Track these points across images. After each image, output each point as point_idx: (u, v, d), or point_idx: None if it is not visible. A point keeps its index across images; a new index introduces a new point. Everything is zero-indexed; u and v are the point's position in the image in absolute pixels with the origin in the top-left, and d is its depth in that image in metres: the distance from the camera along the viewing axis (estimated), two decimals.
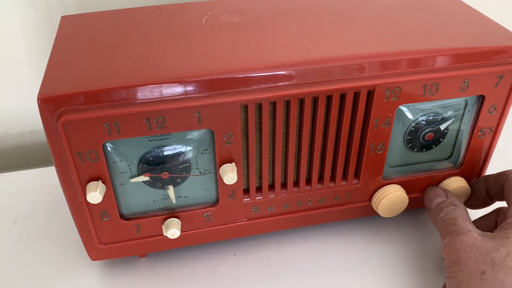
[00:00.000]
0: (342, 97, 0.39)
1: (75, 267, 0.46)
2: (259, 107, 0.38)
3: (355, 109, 0.40)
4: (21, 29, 0.55)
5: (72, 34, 0.42)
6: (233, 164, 0.39)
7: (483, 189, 0.45)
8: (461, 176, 0.47)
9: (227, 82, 0.36)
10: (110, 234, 0.42)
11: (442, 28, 0.42)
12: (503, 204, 0.43)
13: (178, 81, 0.35)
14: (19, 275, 0.45)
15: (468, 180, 0.47)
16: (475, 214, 0.46)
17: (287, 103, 0.38)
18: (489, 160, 0.46)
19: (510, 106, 0.43)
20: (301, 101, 0.39)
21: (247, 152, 0.40)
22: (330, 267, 0.46)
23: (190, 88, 0.35)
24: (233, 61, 0.37)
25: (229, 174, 0.39)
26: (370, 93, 0.39)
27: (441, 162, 0.47)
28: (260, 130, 0.39)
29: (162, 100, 0.35)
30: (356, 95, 0.39)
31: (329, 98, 0.39)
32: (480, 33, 0.42)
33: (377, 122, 0.41)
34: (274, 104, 0.38)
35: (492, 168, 0.47)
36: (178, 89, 0.35)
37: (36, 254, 0.47)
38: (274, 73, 0.36)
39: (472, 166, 0.47)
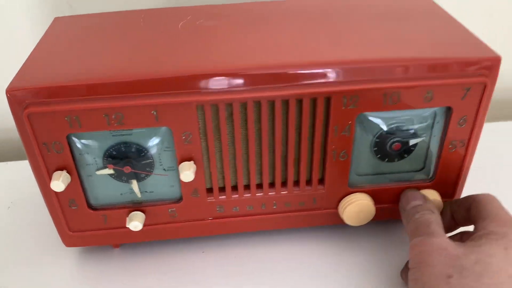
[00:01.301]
0: (300, 102, 0.40)
1: (54, 253, 0.49)
2: (216, 108, 0.39)
3: (315, 115, 0.40)
4: (29, 29, 0.60)
5: (57, 34, 0.45)
6: (191, 162, 0.41)
7: (448, 213, 0.44)
8: (435, 190, 0.46)
9: (182, 82, 0.37)
10: (79, 223, 0.44)
11: (412, 38, 0.42)
12: (467, 229, 0.42)
13: (134, 79, 0.37)
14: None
15: (443, 195, 0.46)
16: None
17: (245, 106, 0.39)
18: (464, 174, 0.45)
19: (483, 119, 0.42)
20: (259, 105, 0.39)
21: (208, 152, 0.42)
22: (295, 272, 0.46)
23: (146, 86, 0.37)
24: (190, 63, 0.39)
25: (186, 172, 0.40)
26: (328, 100, 0.39)
27: (414, 173, 0.46)
28: (219, 131, 0.41)
29: (119, 97, 0.37)
30: (315, 101, 0.40)
31: (286, 103, 0.40)
32: (450, 44, 0.41)
33: (337, 129, 0.41)
34: (231, 106, 0.39)
35: (478, 188, 0.45)
36: (134, 87, 0.37)
37: (23, 238, 0.51)
38: (228, 76, 0.37)
39: (445, 180, 0.45)
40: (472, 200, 0.41)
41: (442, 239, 0.38)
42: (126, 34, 0.45)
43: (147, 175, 0.43)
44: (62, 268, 0.47)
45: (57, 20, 0.49)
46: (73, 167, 0.40)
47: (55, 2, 0.60)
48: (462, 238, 0.42)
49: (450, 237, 0.43)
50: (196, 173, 0.42)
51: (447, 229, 0.45)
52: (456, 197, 0.47)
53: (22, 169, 0.50)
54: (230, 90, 0.38)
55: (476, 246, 0.36)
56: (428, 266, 0.36)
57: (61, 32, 0.46)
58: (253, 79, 0.38)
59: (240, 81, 0.38)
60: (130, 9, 0.55)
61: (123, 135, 0.40)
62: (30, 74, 0.38)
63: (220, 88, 0.38)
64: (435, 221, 0.40)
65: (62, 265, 0.48)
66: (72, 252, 0.49)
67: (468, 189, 0.46)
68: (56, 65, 0.39)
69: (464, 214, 0.42)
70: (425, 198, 0.43)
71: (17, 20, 0.59)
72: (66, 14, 0.59)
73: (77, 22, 0.48)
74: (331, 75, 0.38)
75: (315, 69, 0.38)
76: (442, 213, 0.45)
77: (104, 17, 0.49)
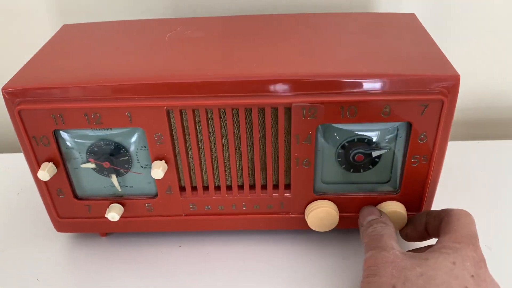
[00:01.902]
0: (262, 111, 0.42)
1: (49, 237, 0.54)
2: (185, 113, 0.43)
3: (277, 124, 0.43)
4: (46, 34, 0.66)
5: (59, 41, 0.50)
6: (163, 161, 0.45)
7: (423, 222, 0.45)
8: (401, 202, 0.47)
9: (153, 88, 0.41)
10: (67, 210, 0.49)
11: (378, 53, 0.44)
12: None
13: (110, 84, 0.41)
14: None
15: (409, 208, 0.47)
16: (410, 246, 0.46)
17: (211, 112, 0.43)
18: (430, 188, 0.46)
19: (446, 136, 0.43)
20: (224, 112, 0.43)
21: (179, 153, 0.45)
22: (262, 272, 0.49)
23: (121, 90, 0.41)
24: (163, 70, 0.42)
25: (156, 170, 0.44)
26: (288, 110, 0.42)
27: (381, 185, 0.47)
28: (188, 134, 0.44)
29: (96, 99, 0.41)
30: (276, 110, 0.42)
31: (250, 112, 0.42)
32: (414, 61, 0.42)
33: (298, 138, 0.43)
34: (198, 112, 0.43)
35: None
36: (109, 91, 0.41)
37: (27, 221, 0.56)
38: (195, 84, 0.41)
39: (411, 193, 0.47)
40: (445, 213, 0.42)
41: (391, 252, 0.39)
42: (117, 43, 0.49)
43: (125, 171, 0.47)
44: (54, 250, 0.52)
45: (64, 27, 0.54)
46: (59, 159, 0.45)
47: (74, 11, 0.65)
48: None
49: (416, 249, 0.44)
50: (169, 172, 0.45)
51: (420, 238, 0.46)
52: (422, 210, 0.48)
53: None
54: (197, 97, 0.41)
55: (424, 259, 0.38)
56: (375, 277, 0.38)
57: (64, 38, 0.51)
58: (218, 88, 0.41)
59: (205, 89, 0.41)
60: (144, 17, 0.60)
61: (104, 133, 0.44)
62: (25, 76, 0.43)
63: (188, 95, 0.41)
64: (387, 233, 0.41)
65: (55, 247, 0.53)
66: (64, 237, 0.54)
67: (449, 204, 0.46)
68: (49, 68, 0.44)
69: (437, 226, 0.43)
70: (380, 212, 0.44)
71: (38, 29, 0.65)
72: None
73: (80, 30, 0.53)
74: (290, 87, 0.41)
75: (276, 80, 0.41)
76: (415, 223, 0.46)
77: (105, 26, 0.54)
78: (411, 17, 0.52)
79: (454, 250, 0.38)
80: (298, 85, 0.41)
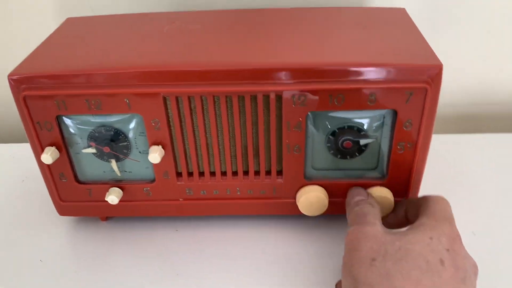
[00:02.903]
0: (255, 98, 0.44)
1: (52, 221, 0.56)
2: (181, 100, 0.45)
3: (269, 111, 0.45)
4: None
5: (63, 33, 0.53)
6: (160, 147, 0.47)
7: (403, 209, 0.47)
8: (388, 188, 0.49)
9: (150, 76, 0.43)
10: (69, 194, 0.51)
11: (364, 45, 0.46)
12: None
13: (110, 72, 0.43)
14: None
15: (396, 194, 0.49)
16: None
17: (206, 100, 0.45)
18: (416, 175, 0.48)
19: (430, 124, 0.45)
20: (219, 99, 0.45)
21: (176, 138, 0.47)
22: (257, 255, 0.51)
23: (119, 78, 0.43)
24: (160, 59, 0.45)
25: (153, 154, 0.46)
26: (279, 98, 0.44)
27: (368, 171, 0.49)
28: (184, 121, 0.46)
29: (96, 86, 0.44)
30: (268, 98, 0.44)
31: (243, 99, 0.45)
32: (400, 51, 0.44)
33: (289, 124, 0.45)
34: (193, 99, 0.45)
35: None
36: (109, 78, 0.43)
37: (30, 207, 0.59)
38: (189, 72, 0.43)
39: (397, 179, 0.48)
40: (424, 199, 0.44)
41: (374, 228, 0.41)
42: (118, 34, 0.51)
43: (125, 156, 0.49)
44: (57, 234, 0.55)
45: (68, 20, 0.56)
46: (62, 144, 0.47)
47: (79, 6, 0.68)
48: None
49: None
50: (166, 157, 0.48)
51: (399, 225, 0.48)
52: (409, 196, 0.50)
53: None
54: (192, 84, 0.44)
55: (404, 235, 0.39)
56: (356, 251, 0.40)
57: (67, 31, 0.53)
58: (212, 76, 0.43)
59: (200, 76, 0.43)
60: (147, 11, 0.62)
61: (104, 119, 0.47)
62: (30, 64, 0.46)
63: (183, 83, 0.43)
64: (372, 212, 0.43)
65: (57, 231, 0.55)
66: (67, 221, 0.56)
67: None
68: (53, 57, 0.47)
69: (416, 212, 0.44)
70: (368, 194, 0.46)
71: (41, 22, 0.68)
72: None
73: (84, 23, 0.55)
74: (281, 75, 0.43)
75: (267, 69, 0.43)
76: (396, 210, 0.48)
77: (108, 19, 0.56)
78: (401, 11, 0.54)
79: (432, 227, 0.39)
80: (289, 73, 0.43)
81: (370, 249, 0.39)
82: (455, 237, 0.39)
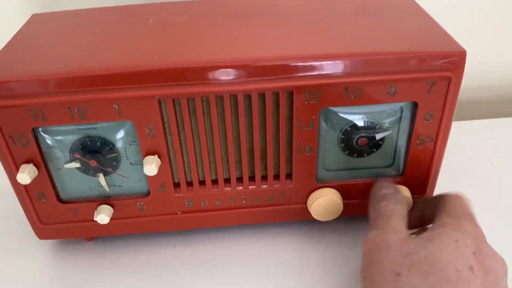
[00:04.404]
0: (263, 97, 0.40)
1: (28, 245, 0.50)
2: (179, 103, 0.39)
3: (278, 110, 0.40)
4: (15, 25, 0.61)
5: (31, 30, 0.46)
6: (155, 156, 0.41)
7: (418, 210, 0.43)
8: (405, 186, 0.45)
9: (142, 76, 0.38)
10: (50, 215, 0.45)
11: (379, 33, 0.42)
12: None
13: (94, 74, 0.37)
14: None
15: (414, 191, 0.45)
16: None
17: (207, 100, 0.40)
18: (434, 171, 0.45)
19: (451, 115, 0.41)
20: (221, 99, 0.40)
21: (173, 146, 0.42)
22: (263, 267, 0.46)
23: (106, 80, 0.37)
24: (151, 56, 0.39)
25: (150, 166, 0.41)
26: (291, 95, 0.39)
27: (384, 169, 0.46)
28: (182, 125, 0.41)
29: (80, 91, 0.37)
30: (277, 95, 0.40)
31: (249, 98, 0.40)
32: (417, 38, 0.41)
33: (300, 123, 0.41)
34: (193, 101, 0.39)
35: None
36: (94, 81, 0.37)
37: (1, 232, 0.52)
38: (188, 70, 0.38)
39: (415, 176, 0.45)
40: (441, 197, 0.41)
41: (396, 235, 0.37)
42: (96, 30, 0.45)
43: (114, 169, 0.43)
44: (36, 260, 0.48)
45: (34, 16, 0.49)
46: (40, 160, 0.41)
47: (44, 1, 0.61)
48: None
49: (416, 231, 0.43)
50: (162, 168, 0.42)
51: (414, 226, 0.44)
52: (427, 194, 0.46)
53: None
54: (191, 84, 0.38)
55: (427, 240, 0.36)
56: (378, 263, 0.36)
57: (36, 28, 0.46)
58: (214, 74, 0.38)
59: (200, 75, 0.38)
60: (115, 5, 0.56)
61: (88, 129, 0.41)
62: None
63: (181, 82, 0.38)
64: (398, 213, 0.39)
65: (36, 257, 0.48)
66: (47, 245, 0.50)
67: (446, 187, 0.45)
68: (23, 59, 0.40)
69: (433, 211, 0.41)
70: (397, 189, 0.42)
71: (3, 18, 0.60)
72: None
73: (53, 19, 0.49)
74: (292, 69, 0.38)
75: (275, 63, 0.38)
76: (412, 210, 0.44)
77: (80, 13, 0.49)
78: None
79: (455, 228, 0.36)
80: (301, 67, 0.38)
81: (393, 262, 0.35)
82: (480, 236, 0.36)
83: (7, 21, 0.60)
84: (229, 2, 0.50)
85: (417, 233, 0.41)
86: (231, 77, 0.38)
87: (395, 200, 0.40)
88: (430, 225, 0.40)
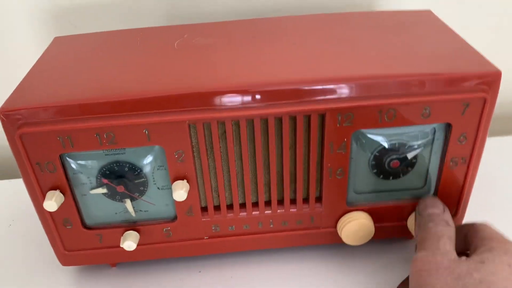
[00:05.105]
0: (294, 120, 0.39)
1: (51, 271, 0.48)
2: (209, 127, 0.39)
3: (309, 133, 0.40)
4: (34, 50, 0.60)
5: (55, 54, 0.45)
6: (185, 181, 0.40)
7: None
8: None
9: (173, 101, 0.37)
10: (75, 242, 0.44)
11: (409, 52, 0.41)
12: None
13: (124, 99, 0.37)
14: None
15: None
16: None
17: (238, 124, 0.39)
18: (467, 192, 0.44)
19: (484, 136, 0.41)
20: (252, 122, 0.39)
21: (202, 170, 0.41)
22: None
23: (136, 105, 0.37)
24: (182, 81, 0.38)
25: (179, 191, 0.40)
26: (323, 117, 0.39)
27: (415, 191, 0.45)
28: (212, 149, 0.40)
29: (109, 117, 0.37)
30: (309, 118, 0.39)
31: (280, 121, 0.39)
32: (448, 58, 0.40)
33: (332, 146, 0.40)
34: (223, 124, 0.39)
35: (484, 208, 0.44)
36: (124, 107, 0.37)
37: (22, 256, 0.50)
38: (220, 94, 0.37)
39: (448, 198, 0.44)
40: (467, 228, 0.40)
41: (447, 257, 0.36)
42: (121, 53, 0.45)
43: (141, 194, 0.42)
44: (58, 285, 0.47)
45: (56, 40, 0.49)
46: (67, 186, 0.40)
47: (59, 23, 0.60)
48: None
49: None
50: (190, 192, 0.41)
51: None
52: (459, 214, 0.45)
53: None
54: (222, 108, 0.38)
55: (480, 263, 0.35)
56: (428, 285, 0.35)
57: (59, 51, 0.46)
58: (246, 97, 0.37)
59: (232, 99, 0.37)
60: (132, 27, 0.56)
61: (116, 154, 0.40)
62: (24, 94, 0.38)
63: (212, 107, 0.37)
64: (447, 235, 0.38)
65: (59, 284, 0.47)
66: (69, 270, 0.48)
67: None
68: (50, 85, 0.40)
69: (459, 243, 0.40)
70: (444, 208, 0.41)
71: (21, 41, 0.60)
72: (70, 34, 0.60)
73: (76, 42, 0.48)
74: (324, 92, 0.37)
75: (307, 86, 0.37)
76: None
77: (102, 36, 0.49)
78: (428, 14, 0.50)
79: (504, 251, 0.36)
80: (334, 90, 0.37)
81: (445, 284, 0.34)
82: None
83: (26, 44, 0.60)
84: (251, 23, 0.49)
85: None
86: (263, 101, 0.37)
87: (444, 221, 0.39)
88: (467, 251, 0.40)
